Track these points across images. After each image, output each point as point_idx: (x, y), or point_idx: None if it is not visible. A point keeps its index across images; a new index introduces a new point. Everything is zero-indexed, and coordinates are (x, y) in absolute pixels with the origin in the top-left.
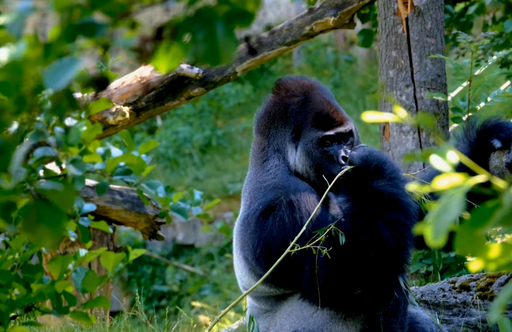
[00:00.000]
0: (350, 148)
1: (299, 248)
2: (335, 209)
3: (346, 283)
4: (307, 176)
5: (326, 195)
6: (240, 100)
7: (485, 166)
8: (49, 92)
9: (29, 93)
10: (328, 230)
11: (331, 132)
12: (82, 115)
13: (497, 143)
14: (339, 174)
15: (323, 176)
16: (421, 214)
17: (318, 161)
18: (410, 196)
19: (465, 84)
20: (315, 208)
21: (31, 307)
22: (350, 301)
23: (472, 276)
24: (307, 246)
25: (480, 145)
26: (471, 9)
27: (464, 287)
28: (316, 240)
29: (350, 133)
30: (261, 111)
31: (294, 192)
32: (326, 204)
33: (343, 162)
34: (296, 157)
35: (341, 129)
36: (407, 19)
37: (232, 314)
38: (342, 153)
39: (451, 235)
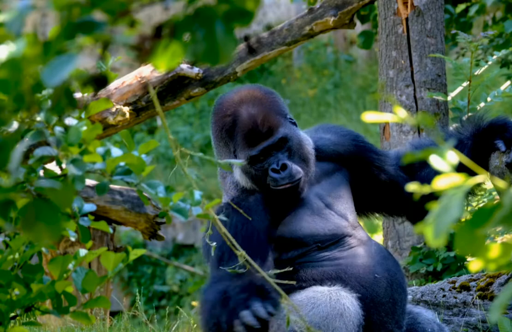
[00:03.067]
0: (289, 154)
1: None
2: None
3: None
4: (255, 190)
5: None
6: None
7: (486, 163)
8: (49, 91)
9: (28, 91)
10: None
11: (254, 151)
12: (82, 115)
13: (502, 147)
14: None
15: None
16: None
17: (255, 178)
18: None
19: (465, 84)
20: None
21: (31, 307)
22: None
23: (472, 276)
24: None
25: (483, 141)
26: (472, 10)
27: (464, 287)
28: None
29: (282, 140)
30: (211, 132)
31: (245, 209)
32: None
33: (274, 175)
34: (239, 175)
35: (267, 142)
36: (407, 19)
37: None
38: (274, 165)
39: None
